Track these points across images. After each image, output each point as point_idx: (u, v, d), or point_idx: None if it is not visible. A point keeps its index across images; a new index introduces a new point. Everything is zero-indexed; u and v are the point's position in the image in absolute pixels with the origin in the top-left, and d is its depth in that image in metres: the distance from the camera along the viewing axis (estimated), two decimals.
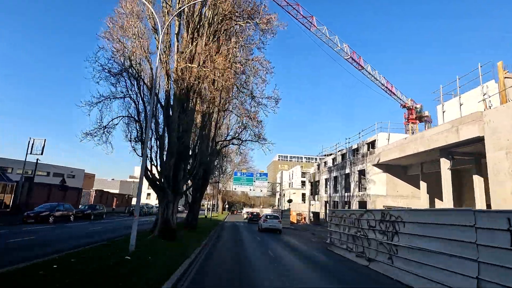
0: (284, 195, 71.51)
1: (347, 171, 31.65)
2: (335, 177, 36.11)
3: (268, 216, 27.54)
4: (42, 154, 28.41)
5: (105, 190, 50.21)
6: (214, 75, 12.94)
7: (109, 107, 14.26)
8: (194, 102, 16.10)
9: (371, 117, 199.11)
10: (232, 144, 24.59)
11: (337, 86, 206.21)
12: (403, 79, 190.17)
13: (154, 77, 11.85)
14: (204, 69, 13.58)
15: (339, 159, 37.41)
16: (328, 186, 40.07)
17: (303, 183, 67.66)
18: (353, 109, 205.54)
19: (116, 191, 67.82)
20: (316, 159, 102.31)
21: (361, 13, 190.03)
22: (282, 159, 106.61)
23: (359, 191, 29.14)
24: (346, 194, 31.80)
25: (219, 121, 21.44)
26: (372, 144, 29.33)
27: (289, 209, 34.04)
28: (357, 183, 29.31)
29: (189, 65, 14.16)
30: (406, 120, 52.27)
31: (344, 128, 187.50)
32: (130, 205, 52.43)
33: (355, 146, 32.87)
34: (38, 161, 55.89)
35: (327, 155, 43.67)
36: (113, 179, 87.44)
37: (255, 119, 15.70)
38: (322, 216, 40.57)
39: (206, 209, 49.08)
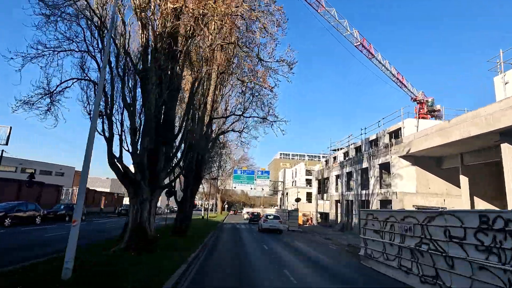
0: (287, 194, 67.26)
1: (365, 165, 27.44)
2: (349, 173, 31.89)
3: (269, 216, 26.30)
4: (7, 144, 24.05)
5: (91, 188, 45.99)
6: (207, 11, 8.71)
7: (57, 64, 10.04)
8: (181, 64, 11.88)
9: (377, 113, 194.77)
10: (233, 131, 20.39)
11: (342, 82, 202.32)
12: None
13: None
14: (195, 6, 9.35)
15: (352, 153, 33.20)
16: (339, 184, 35.85)
17: (307, 181, 63.50)
18: (357, 106, 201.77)
19: (107, 190, 63.61)
20: (320, 157, 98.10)
21: (361, 10, 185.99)
22: (283, 157, 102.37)
23: (380, 188, 24.94)
24: (364, 191, 27.57)
25: (216, 100, 17.20)
26: (395, 134, 25.13)
27: (297, 209, 29.88)
28: (378, 178, 25.12)
29: (170, 5, 9.95)
30: (417, 115, 48.26)
31: (348, 126, 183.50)
32: (122, 204, 48.23)
33: (373, 137, 28.65)
34: (26, 159, 51.71)
35: (337, 150, 39.47)
36: (107, 178, 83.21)
37: (265, 82, 11.43)
38: (332, 217, 36.38)
39: (203, 209, 44.67)
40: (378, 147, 25.54)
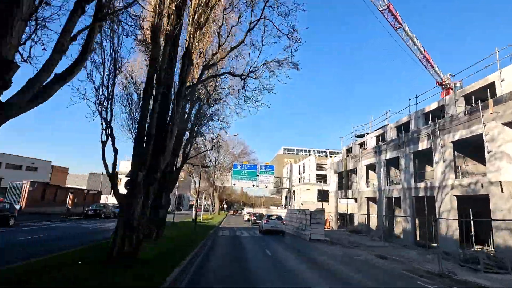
0: (294, 192, 58.74)
1: (423, 146, 18.95)
2: (391, 161, 23.43)
3: (271, 217, 25.21)
4: None
5: (52, 183, 37.61)
6: None
7: None
8: None
9: (384, 107, 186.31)
10: (231, 74, 11.91)
11: (344, 79, 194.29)
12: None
13: None
14: None
15: (392, 133, 24.74)
16: (371, 176, 27.40)
17: (319, 177, 54.96)
18: (359, 104, 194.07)
19: (84, 187, 55.24)
20: (327, 152, 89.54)
21: None
22: (287, 153, 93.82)
23: (456, 177, 16.47)
24: (421, 184, 19.10)
25: None
26: (476, 95, 16.60)
27: (322, 210, 21.24)
28: (452, 163, 16.60)
29: None
30: None
31: (350, 125, 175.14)
32: (99, 203, 39.33)
33: (432, 106, 20.20)
34: None
35: (365, 134, 31.00)
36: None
37: None
38: (361, 219, 27.85)
39: (194, 209, 35.46)
40: (452, 117, 16.96)
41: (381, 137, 27.03)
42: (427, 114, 20.51)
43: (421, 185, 19.01)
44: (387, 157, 23.41)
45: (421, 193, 18.85)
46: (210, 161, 30.02)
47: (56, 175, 55.46)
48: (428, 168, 20.89)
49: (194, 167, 33.57)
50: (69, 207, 35.38)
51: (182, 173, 71.27)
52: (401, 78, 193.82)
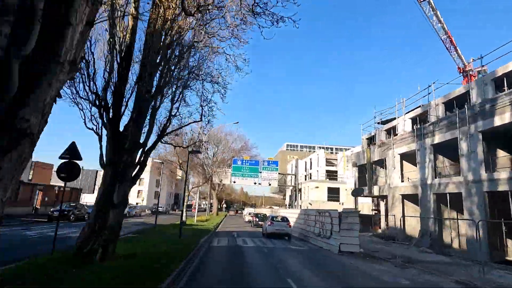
0: (300, 190, 53.16)
1: (502, 120, 13.32)
2: (439, 146, 17.83)
3: (275, 218, 22.89)
4: None
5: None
6: None
7: None
8: None
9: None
10: None
11: (343, 77, 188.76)
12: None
13: None
14: None
15: (438, 112, 19.18)
16: (406, 167, 21.79)
17: (328, 173, 49.31)
18: (359, 103, 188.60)
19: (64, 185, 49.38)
20: (332, 149, 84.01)
21: None
22: (291, 149, 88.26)
23: None
24: (499, 175, 13.47)
25: None
26: None
27: (357, 211, 15.57)
28: None
29: None
30: None
31: (350, 124, 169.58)
32: (71, 202, 33.46)
33: (510, 66, 14.59)
34: None
35: (395, 118, 25.38)
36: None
37: None
38: (393, 222, 22.20)
39: (184, 209, 29.15)
40: None
41: (419, 119, 21.47)
42: (499, 79, 14.92)
43: (500, 175, 13.38)
44: (435, 141, 17.79)
45: (501, 187, 13.22)
46: (201, 141, 24.37)
47: (39, 173, 49.79)
48: (500, 153, 15.32)
49: (182, 156, 27.95)
50: (38, 207, 29.79)
51: (179, 172, 65.38)
52: (401, 78, 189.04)
